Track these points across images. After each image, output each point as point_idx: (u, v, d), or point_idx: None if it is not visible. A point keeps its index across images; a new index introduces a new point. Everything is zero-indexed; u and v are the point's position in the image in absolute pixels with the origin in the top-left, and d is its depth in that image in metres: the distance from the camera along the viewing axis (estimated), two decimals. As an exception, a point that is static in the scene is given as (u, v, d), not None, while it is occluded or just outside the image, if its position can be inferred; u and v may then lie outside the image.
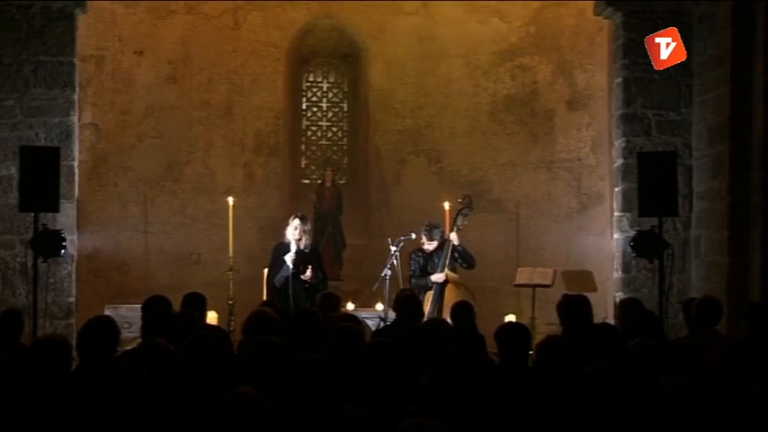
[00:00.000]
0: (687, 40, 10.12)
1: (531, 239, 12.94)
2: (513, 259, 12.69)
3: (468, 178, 13.23)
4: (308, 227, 9.22)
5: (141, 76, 12.87)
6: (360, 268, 12.69)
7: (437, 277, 9.33)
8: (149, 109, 12.91)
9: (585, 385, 4.39)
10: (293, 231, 9.01)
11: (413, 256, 9.57)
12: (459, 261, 9.52)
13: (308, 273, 8.91)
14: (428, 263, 9.50)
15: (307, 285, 8.95)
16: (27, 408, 3.55)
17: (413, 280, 9.44)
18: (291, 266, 8.85)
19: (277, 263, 9.05)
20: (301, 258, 8.97)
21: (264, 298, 9.17)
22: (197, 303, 7.18)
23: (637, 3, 10.25)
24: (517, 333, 5.43)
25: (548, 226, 13.02)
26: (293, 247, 8.91)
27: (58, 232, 9.13)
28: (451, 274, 9.43)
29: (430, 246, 9.45)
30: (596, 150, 12.74)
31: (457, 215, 9.66)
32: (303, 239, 9.03)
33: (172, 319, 5.85)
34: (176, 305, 6.83)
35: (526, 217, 13.11)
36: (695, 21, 10.02)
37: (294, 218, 9.19)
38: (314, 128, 14.30)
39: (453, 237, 9.45)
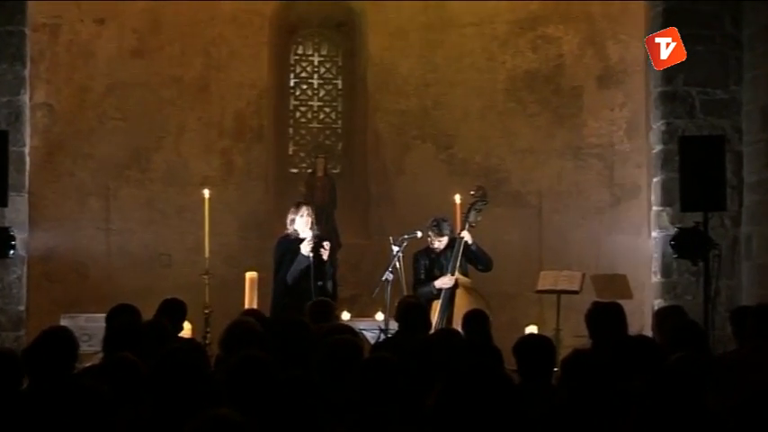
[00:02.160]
0: (735, 8, 10.14)
1: (555, 238, 12.93)
2: (535, 261, 12.68)
3: (482, 167, 13.23)
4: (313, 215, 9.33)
5: (102, 49, 12.86)
6: (357, 271, 12.68)
7: (442, 282, 9.28)
8: (112, 87, 12.90)
9: (618, 407, 4.38)
10: (304, 221, 9.09)
11: (417, 257, 9.55)
12: (475, 262, 9.50)
13: (326, 249, 9.01)
14: (435, 265, 9.48)
15: (320, 283, 9.03)
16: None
17: (417, 287, 9.41)
18: (311, 255, 8.91)
19: (286, 258, 9.09)
20: (318, 249, 9.07)
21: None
22: (176, 312, 7.20)
23: (678, -36, 10.25)
24: (539, 346, 5.42)
25: (575, 222, 13.01)
26: (309, 236, 9.00)
27: (5, 230, 9.13)
28: (463, 278, 9.41)
29: (439, 243, 9.41)
30: (631, 134, 12.73)
31: (469, 210, 9.63)
32: (314, 230, 9.15)
33: (139, 331, 5.84)
34: (145, 314, 6.83)
35: (550, 212, 13.10)
36: (745, -15, 10.03)
37: (300, 206, 9.26)
38: (303, 108, 14.29)
39: (465, 235, 9.43)
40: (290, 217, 9.20)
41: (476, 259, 9.47)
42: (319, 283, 9.01)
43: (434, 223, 9.44)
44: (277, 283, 9.20)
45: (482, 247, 9.53)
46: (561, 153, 13.19)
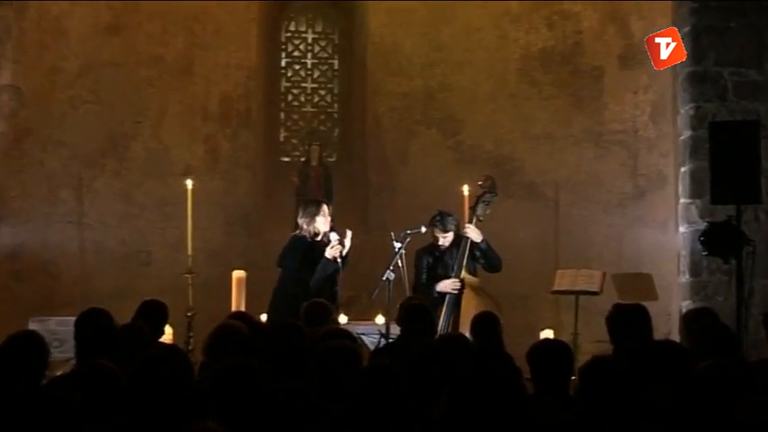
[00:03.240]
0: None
1: (573, 233, 12.93)
2: (551, 259, 12.69)
3: (492, 155, 13.23)
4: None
5: (74, 26, 12.85)
6: (355, 270, 12.64)
7: (445, 285, 9.23)
8: (85, 67, 12.89)
9: (642, 420, 4.38)
10: (323, 220, 9.14)
11: (420, 255, 9.52)
12: (482, 261, 9.48)
13: (345, 242, 9.05)
14: (440, 264, 9.45)
15: (336, 288, 9.10)
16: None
17: (418, 290, 9.39)
18: (339, 260, 8.98)
19: (304, 262, 9.10)
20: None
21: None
22: (156, 314, 7.21)
23: (707, -70, 10.24)
24: (555, 353, 5.42)
25: (595, 216, 13.01)
26: (333, 237, 9.05)
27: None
28: (470, 278, 9.39)
29: (444, 239, 9.38)
30: (657, 119, 12.73)
31: (476, 203, 9.60)
32: (336, 230, 9.21)
33: (114, 336, 5.85)
34: (122, 317, 6.83)
35: (567, 205, 13.10)
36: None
37: (321, 203, 9.34)
38: (296, 91, 14.29)
39: (472, 231, 9.39)
40: (306, 216, 9.23)
41: (483, 258, 9.43)
42: (335, 288, 9.08)
43: (438, 218, 9.38)
44: (284, 288, 9.17)
45: (491, 246, 9.48)
46: (580, 140, 13.18)
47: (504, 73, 13.35)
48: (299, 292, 8.87)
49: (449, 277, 9.28)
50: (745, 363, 6.54)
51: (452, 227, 9.40)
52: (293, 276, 9.16)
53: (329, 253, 9.03)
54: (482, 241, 9.33)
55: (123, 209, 12.96)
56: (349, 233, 9.23)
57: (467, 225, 9.39)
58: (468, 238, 9.32)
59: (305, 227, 9.21)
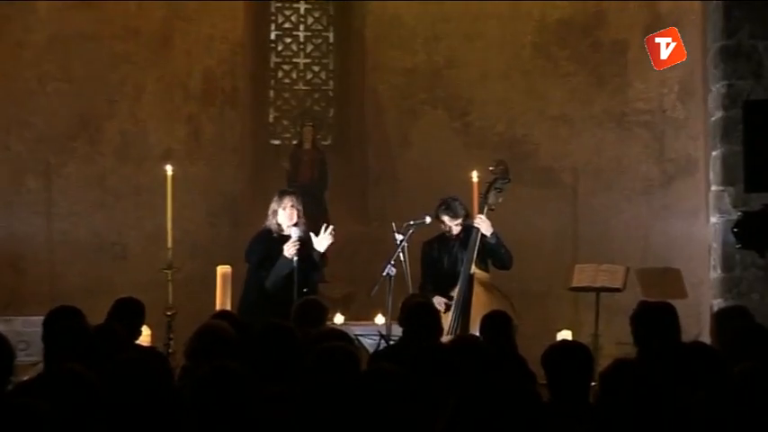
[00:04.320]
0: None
1: (594, 224, 12.94)
2: (569, 252, 12.71)
3: (504, 138, 13.24)
4: (301, 205, 9.26)
5: (42, -6, 12.86)
6: (352, 265, 12.69)
7: (439, 301, 9.14)
8: (54, 40, 12.89)
9: (671, 429, 4.39)
10: (286, 213, 9.03)
11: (426, 249, 9.51)
12: (489, 258, 9.46)
13: (322, 240, 8.99)
14: (447, 256, 9.43)
15: (306, 290, 8.96)
16: None
17: (424, 288, 9.38)
18: (296, 259, 8.86)
19: (266, 259, 9.05)
20: (305, 249, 9.00)
21: (218, 307, 9.16)
22: (131, 314, 7.19)
23: None
24: (574, 356, 5.42)
25: (617, 205, 13.02)
26: (294, 233, 8.93)
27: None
28: (481, 274, 9.40)
29: (455, 225, 9.35)
30: (686, 99, 12.73)
31: (487, 190, 9.59)
32: (300, 224, 9.08)
33: (86, 337, 5.84)
34: (94, 317, 6.84)
35: (587, 193, 13.11)
36: None
37: (284, 195, 9.18)
38: (287, 67, 14.29)
39: (483, 223, 9.35)
40: (272, 207, 9.14)
41: (491, 255, 9.40)
42: (304, 290, 8.94)
43: (443, 205, 9.37)
44: (248, 288, 9.16)
45: (503, 241, 9.45)
46: (601, 121, 13.19)
47: (517, 48, 13.35)
48: (257, 298, 8.91)
49: (456, 273, 9.28)
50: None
51: (462, 211, 9.38)
52: (253, 277, 9.12)
53: (285, 250, 8.90)
54: (492, 235, 9.29)
55: (96, 197, 12.97)
56: (329, 229, 9.10)
57: (477, 216, 9.38)
58: (477, 231, 9.29)
59: (270, 220, 9.14)
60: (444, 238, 9.45)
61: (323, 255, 9.27)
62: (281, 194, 9.20)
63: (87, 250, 12.79)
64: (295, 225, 9.00)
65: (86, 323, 6.43)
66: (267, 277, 8.96)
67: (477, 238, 9.30)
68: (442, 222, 9.39)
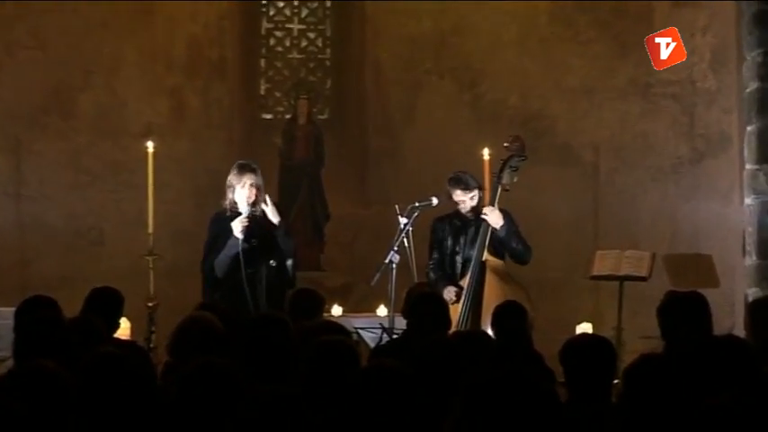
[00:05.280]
0: None
1: (616, 206, 12.94)
2: (590, 237, 12.71)
3: (519, 111, 13.22)
4: (262, 182, 9.14)
5: (11, -46, 12.84)
6: (351, 252, 12.71)
7: (449, 290, 9.11)
8: (24, 6, 12.86)
9: (701, 429, 4.40)
10: (242, 191, 8.95)
11: (436, 227, 9.43)
12: (505, 250, 9.37)
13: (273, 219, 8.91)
14: (461, 236, 9.35)
15: (272, 262, 8.90)
16: None
17: (431, 275, 9.36)
18: (242, 238, 8.78)
19: (217, 241, 9.02)
20: (258, 228, 8.92)
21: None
22: (109, 305, 7.22)
23: None
24: (595, 351, 5.44)
25: (643, 185, 13.02)
26: (244, 210, 8.84)
27: None
28: (494, 261, 9.38)
29: (469, 198, 9.25)
30: (718, 68, 12.72)
31: (501, 169, 9.56)
32: (260, 203, 8.98)
33: (62, 330, 5.86)
34: (68, 308, 6.85)
35: (609, 171, 13.11)
36: None
37: (244, 171, 9.07)
38: (279, 33, 14.26)
39: (492, 214, 9.24)
40: (229, 181, 8.97)
41: (504, 244, 9.31)
42: (271, 262, 8.88)
43: (453, 179, 9.26)
44: (204, 276, 9.13)
45: (516, 232, 9.34)
46: (624, 93, 13.17)
47: (532, 13, 13.33)
48: (211, 288, 8.91)
49: (467, 259, 9.24)
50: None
51: (475, 183, 9.27)
52: (205, 266, 9.07)
53: (234, 229, 8.78)
54: (501, 227, 9.18)
55: (70, 177, 12.97)
56: (268, 200, 8.90)
57: (485, 207, 9.27)
58: (487, 226, 9.20)
59: (226, 198, 8.96)
60: (460, 217, 9.34)
61: (287, 248, 9.12)
62: (241, 169, 8.97)
63: (61, 235, 12.78)
64: (251, 206, 8.88)
65: (61, 315, 6.45)
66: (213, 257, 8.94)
67: (486, 233, 9.24)
68: (455, 199, 9.29)
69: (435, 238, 9.40)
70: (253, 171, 8.96)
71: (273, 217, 8.87)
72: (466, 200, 9.22)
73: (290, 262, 8.99)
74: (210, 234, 9.11)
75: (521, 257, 9.37)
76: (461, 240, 9.34)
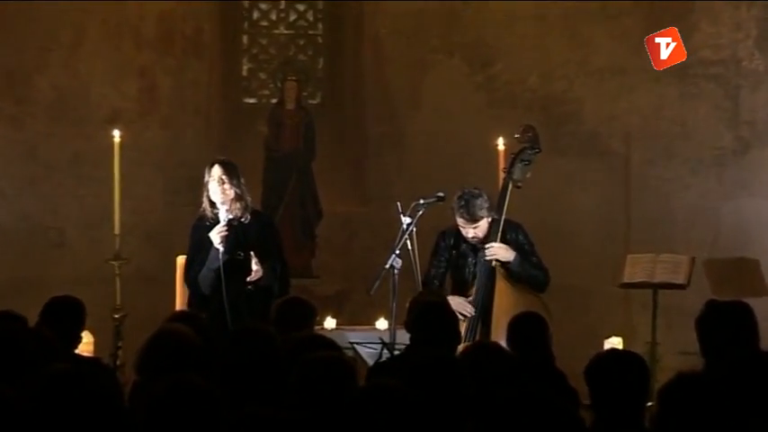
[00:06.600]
0: None
1: (650, 203, 12.95)
2: (620, 239, 12.73)
3: (538, 95, 13.25)
4: (242, 180, 9.15)
5: None
6: (346, 255, 12.73)
7: (454, 304, 8.99)
8: (-28, -27, 12.91)
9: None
10: (217, 189, 8.96)
11: (440, 240, 9.43)
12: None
13: (254, 266, 8.87)
14: (464, 258, 9.33)
15: (250, 287, 8.93)
16: None
17: (435, 282, 9.35)
18: (222, 250, 8.80)
19: (200, 251, 9.04)
20: (240, 236, 8.95)
21: (179, 307, 9.19)
22: (69, 316, 7.23)
23: None
24: (625, 369, 5.44)
25: (680, 179, 13.03)
26: (223, 217, 8.86)
27: None
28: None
29: (474, 231, 9.21)
30: (766, 46, 12.72)
31: (512, 163, 9.53)
32: (237, 204, 8.99)
33: (18, 346, 5.86)
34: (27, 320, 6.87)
35: (642, 163, 13.12)
36: None
37: (213, 164, 9.08)
38: (264, 6, 14.28)
39: (498, 251, 9.11)
40: (204, 179, 9.06)
41: (523, 280, 9.19)
42: (249, 287, 8.91)
43: (462, 202, 9.15)
44: (190, 291, 9.16)
45: (532, 250, 9.26)
46: (659, 74, 13.14)
47: (553, -20, 13.37)
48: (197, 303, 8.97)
49: (466, 282, 9.21)
50: None
51: (484, 212, 9.12)
52: (188, 280, 9.11)
53: (212, 237, 8.83)
54: (515, 258, 9.10)
55: (25, 170, 12.99)
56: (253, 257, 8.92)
57: (488, 246, 9.11)
58: (499, 221, 9.15)
59: (204, 200, 9.01)
60: (468, 242, 9.29)
61: (275, 253, 9.14)
62: (211, 163, 9.01)
63: (14, 237, 12.80)
64: (224, 204, 8.86)
65: (24, 327, 6.46)
66: (196, 271, 8.99)
67: (498, 229, 9.21)
68: (458, 224, 9.22)
69: (440, 251, 9.36)
70: (222, 164, 8.94)
71: (255, 266, 8.90)
72: (469, 231, 9.12)
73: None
74: (191, 243, 9.15)
75: (540, 286, 9.25)
76: (469, 260, 9.30)
